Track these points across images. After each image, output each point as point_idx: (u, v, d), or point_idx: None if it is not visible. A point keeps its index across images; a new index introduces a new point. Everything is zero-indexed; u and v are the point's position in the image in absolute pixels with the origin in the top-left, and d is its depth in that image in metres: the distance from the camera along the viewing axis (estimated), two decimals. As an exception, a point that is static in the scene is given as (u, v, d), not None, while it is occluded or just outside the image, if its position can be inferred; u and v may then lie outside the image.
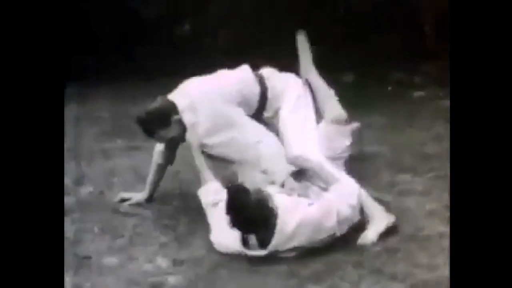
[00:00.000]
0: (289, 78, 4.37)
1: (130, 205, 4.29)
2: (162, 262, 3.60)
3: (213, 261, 3.57)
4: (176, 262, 3.59)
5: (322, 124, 4.19)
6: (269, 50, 8.07)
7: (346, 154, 4.22)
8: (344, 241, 3.65)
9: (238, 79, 4.23)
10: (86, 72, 7.79)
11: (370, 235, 3.65)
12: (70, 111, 6.54)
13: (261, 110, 4.22)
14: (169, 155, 4.30)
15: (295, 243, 3.51)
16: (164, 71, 7.38)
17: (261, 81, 4.24)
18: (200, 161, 3.97)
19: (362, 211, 3.73)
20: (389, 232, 3.74)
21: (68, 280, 3.38)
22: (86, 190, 4.59)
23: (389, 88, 7.10)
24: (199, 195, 3.89)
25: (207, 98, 4.05)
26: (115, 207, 4.28)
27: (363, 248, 3.60)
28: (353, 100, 6.52)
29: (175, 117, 4.01)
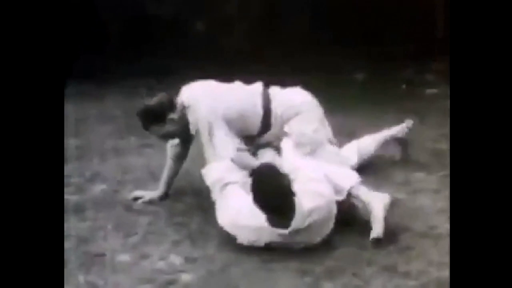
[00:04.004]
0: (294, 96, 4.38)
1: (143, 203, 4.31)
2: (175, 259, 3.61)
3: (226, 259, 3.57)
4: (189, 260, 3.59)
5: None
6: (283, 50, 8.11)
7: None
8: (356, 238, 3.66)
9: (241, 96, 4.25)
10: (98, 71, 7.82)
11: (377, 228, 3.65)
12: (83, 110, 6.58)
13: (265, 130, 4.26)
14: (181, 151, 4.35)
15: (311, 219, 3.54)
16: (175, 70, 7.41)
17: (266, 99, 4.26)
18: (205, 135, 4.03)
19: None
20: (402, 230, 3.76)
21: (81, 277, 3.41)
22: (99, 188, 4.61)
23: (403, 86, 7.09)
24: (203, 174, 3.96)
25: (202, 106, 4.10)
26: (128, 205, 4.29)
27: (377, 244, 3.61)
28: (365, 98, 6.56)
29: (171, 115, 4.12)
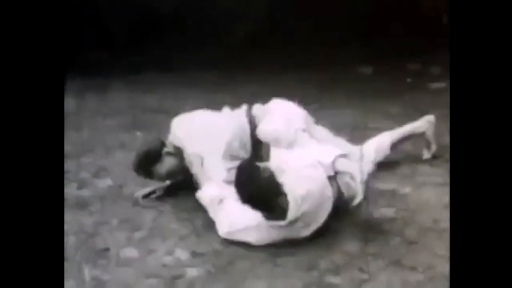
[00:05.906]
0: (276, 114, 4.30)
1: (150, 197, 4.31)
2: (181, 254, 3.61)
3: (232, 254, 3.58)
4: (195, 255, 3.60)
5: None
6: (287, 44, 8.09)
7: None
8: (362, 232, 3.66)
9: (227, 124, 4.25)
10: (103, 66, 7.82)
11: (358, 195, 3.66)
12: (88, 104, 6.58)
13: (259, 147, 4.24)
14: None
15: (305, 205, 3.55)
16: (177, 64, 7.40)
17: (251, 120, 4.27)
18: (197, 166, 4.10)
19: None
20: (407, 224, 3.76)
21: (86, 272, 3.41)
22: (105, 183, 4.61)
23: (408, 80, 7.08)
24: (198, 198, 3.98)
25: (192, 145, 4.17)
26: (134, 200, 4.30)
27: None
28: (371, 91, 6.55)
29: (165, 149, 4.20)
